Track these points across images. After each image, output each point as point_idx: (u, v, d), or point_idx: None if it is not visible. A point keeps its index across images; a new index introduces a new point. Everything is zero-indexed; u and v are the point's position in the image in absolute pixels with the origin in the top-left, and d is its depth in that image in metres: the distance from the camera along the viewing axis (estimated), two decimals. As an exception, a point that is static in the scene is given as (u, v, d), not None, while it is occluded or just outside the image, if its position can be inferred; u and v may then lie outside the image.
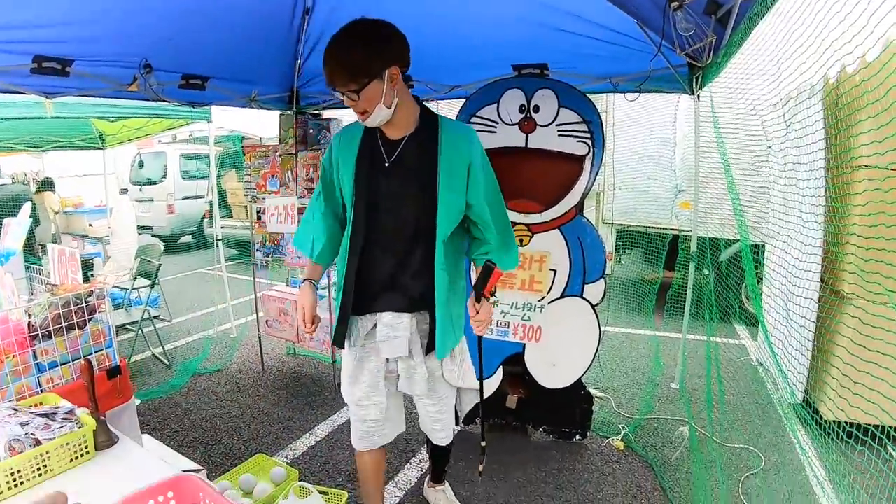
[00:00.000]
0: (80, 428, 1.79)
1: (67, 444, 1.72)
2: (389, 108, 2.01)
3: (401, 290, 2.20)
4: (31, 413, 1.81)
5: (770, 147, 4.66)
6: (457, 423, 2.91)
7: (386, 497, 3.08)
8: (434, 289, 2.16)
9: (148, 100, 4.14)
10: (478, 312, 2.11)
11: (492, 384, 3.69)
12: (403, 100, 2.05)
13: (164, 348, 5.50)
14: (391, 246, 2.17)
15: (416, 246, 2.15)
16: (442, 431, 2.50)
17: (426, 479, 3.17)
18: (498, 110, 3.46)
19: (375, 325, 2.26)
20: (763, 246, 4.84)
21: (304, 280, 2.33)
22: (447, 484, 3.09)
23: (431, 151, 2.09)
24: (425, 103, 2.23)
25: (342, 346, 2.33)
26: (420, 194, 2.10)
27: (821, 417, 3.39)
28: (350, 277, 2.21)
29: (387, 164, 2.12)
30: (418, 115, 2.15)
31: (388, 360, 2.29)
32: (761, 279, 4.71)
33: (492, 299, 2.15)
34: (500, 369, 3.68)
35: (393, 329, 2.21)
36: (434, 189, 2.08)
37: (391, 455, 3.58)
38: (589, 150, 3.35)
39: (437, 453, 2.89)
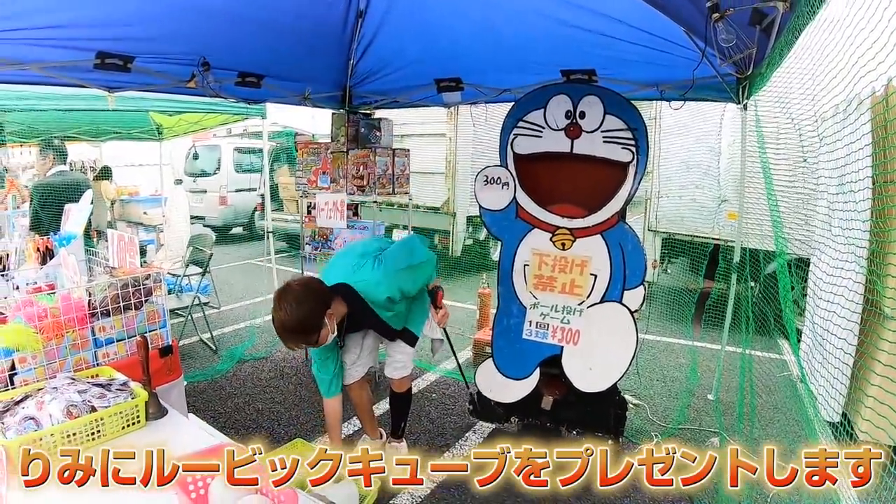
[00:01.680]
0: (133, 399, 1.91)
1: (121, 412, 1.85)
2: (334, 332, 2.73)
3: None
4: (88, 383, 1.95)
5: (818, 160, 4.58)
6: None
7: (417, 487, 3.25)
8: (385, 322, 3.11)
9: (205, 95, 4.32)
10: (437, 315, 3.30)
11: (529, 384, 3.74)
12: (338, 311, 2.76)
13: (211, 334, 5.69)
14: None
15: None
16: (397, 364, 3.34)
17: (387, 435, 3.64)
18: (545, 115, 3.50)
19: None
20: (809, 259, 4.75)
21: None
22: (405, 441, 3.61)
23: (368, 310, 2.94)
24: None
25: None
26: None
27: (856, 437, 3.33)
28: None
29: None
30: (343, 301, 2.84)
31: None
32: (805, 293, 4.63)
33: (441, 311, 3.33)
34: (538, 370, 3.71)
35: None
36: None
37: (427, 447, 3.74)
38: (633, 158, 3.36)
39: (396, 404, 3.54)
